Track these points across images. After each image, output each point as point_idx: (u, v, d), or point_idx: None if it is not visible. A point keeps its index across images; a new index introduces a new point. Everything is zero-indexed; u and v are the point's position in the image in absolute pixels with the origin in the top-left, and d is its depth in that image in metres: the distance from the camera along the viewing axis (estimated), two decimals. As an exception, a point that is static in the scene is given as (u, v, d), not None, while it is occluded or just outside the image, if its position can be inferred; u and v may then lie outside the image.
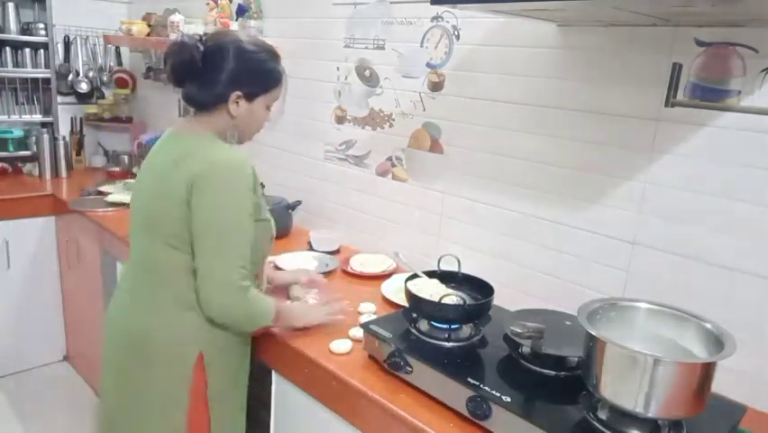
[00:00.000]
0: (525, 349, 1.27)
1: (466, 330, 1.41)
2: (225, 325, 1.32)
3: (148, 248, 1.33)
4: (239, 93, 1.31)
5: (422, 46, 1.87)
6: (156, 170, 1.33)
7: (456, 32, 1.77)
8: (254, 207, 1.31)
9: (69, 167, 3.23)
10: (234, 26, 2.47)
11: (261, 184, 2.29)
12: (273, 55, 1.37)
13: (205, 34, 1.36)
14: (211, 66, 1.29)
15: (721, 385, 1.12)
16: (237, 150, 1.34)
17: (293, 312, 1.46)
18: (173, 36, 2.54)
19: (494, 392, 1.12)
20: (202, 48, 1.29)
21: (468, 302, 1.43)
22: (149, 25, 2.94)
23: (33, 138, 3.20)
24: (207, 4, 2.59)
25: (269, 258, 1.81)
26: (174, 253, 1.29)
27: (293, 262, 1.95)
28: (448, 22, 1.78)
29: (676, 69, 1.31)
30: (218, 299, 1.27)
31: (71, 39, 3.28)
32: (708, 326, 1.07)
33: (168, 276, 1.31)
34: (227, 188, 1.26)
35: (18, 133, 3.18)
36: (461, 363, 1.25)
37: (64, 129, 3.31)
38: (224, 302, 1.28)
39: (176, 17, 2.58)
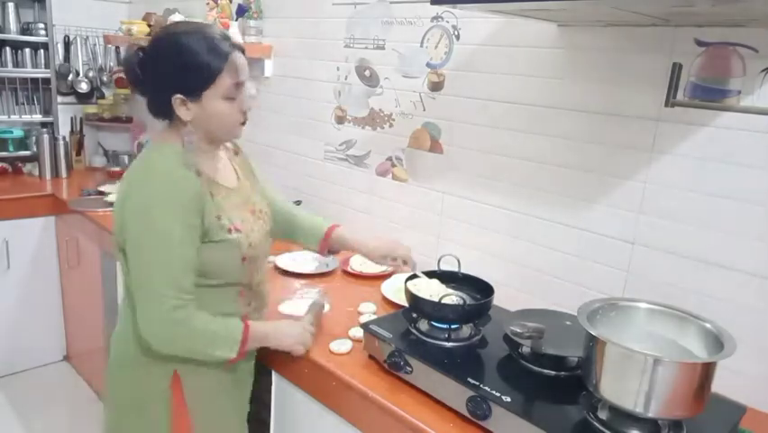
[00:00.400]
0: (525, 349, 1.27)
1: (466, 330, 1.41)
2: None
3: (123, 265, 1.27)
4: (179, 96, 1.18)
5: (422, 46, 1.87)
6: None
7: (456, 32, 1.77)
8: (191, 228, 1.16)
9: (69, 167, 3.23)
10: (234, 26, 2.47)
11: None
12: (207, 39, 1.18)
13: (139, 42, 1.28)
14: (148, 74, 1.21)
15: (721, 385, 1.12)
16: (181, 165, 1.18)
17: (266, 336, 1.32)
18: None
19: (494, 392, 1.12)
20: (141, 55, 1.21)
21: (468, 302, 1.42)
22: (149, 25, 2.94)
23: (33, 138, 3.20)
24: (207, 4, 2.59)
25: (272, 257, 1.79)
26: None
27: (293, 262, 1.95)
28: (448, 22, 1.78)
29: (676, 69, 1.31)
30: (150, 333, 1.18)
31: (71, 39, 3.28)
32: (708, 326, 1.07)
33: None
34: (151, 211, 1.14)
35: (18, 133, 3.18)
36: (461, 363, 1.24)
37: (64, 129, 3.30)
38: (157, 336, 1.18)
39: (176, 17, 2.59)
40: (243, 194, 1.35)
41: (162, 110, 1.24)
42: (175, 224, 1.15)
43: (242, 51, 1.25)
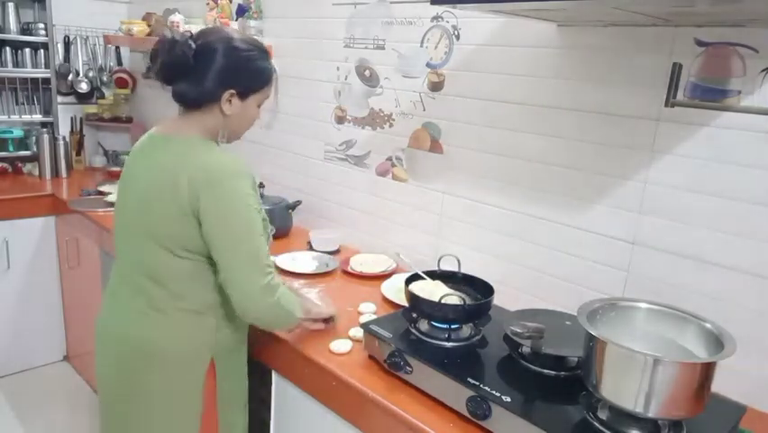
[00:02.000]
0: (525, 349, 1.27)
1: (466, 330, 1.41)
2: (265, 327, 1.40)
3: (149, 256, 1.29)
4: (232, 91, 1.28)
5: (422, 46, 1.87)
6: (150, 177, 1.27)
7: (456, 32, 1.77)
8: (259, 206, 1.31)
9: (69, 167, 3.23)
10: (234, 26, 2.47)
11: (261, 184, 2.31)
12: (264, 52, 1.34)
13: (188, 32, 1.31)
14: (203, 64, 1.26)
15: (721, 385, 1.12)
16: (230, 152, 1.30)
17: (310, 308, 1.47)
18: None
19: (494, 392, 1.12)
20: (194, 45, 1.26)
21: (468, 302, 1.42)
22: (149, 25, 2.94)
23: (33, 138, 3.20)
24: (207, 4, 2.59)
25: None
26: (180, 261, 1.27)
27: (293, 261, 1.95)
28: (448, 22, 1.78)
29: (676, 69, 1.31)
30: (252, 307, 1.28)
31: (71, 39, 3.28)
32: (708, 326, 1.07)
33: (175, 284, 1.28)
34: (235, 195, 1.24)
35: (18, 133, 3.17)
36: (461, 363, 1.25)
37: (64, 129, 3.30)
38: (258, 308, 1.28)
39: (176, 17, 2.59)
40: None
41: (203, 99, 1.29)
42: (253, 201, 1.27)
43: None
